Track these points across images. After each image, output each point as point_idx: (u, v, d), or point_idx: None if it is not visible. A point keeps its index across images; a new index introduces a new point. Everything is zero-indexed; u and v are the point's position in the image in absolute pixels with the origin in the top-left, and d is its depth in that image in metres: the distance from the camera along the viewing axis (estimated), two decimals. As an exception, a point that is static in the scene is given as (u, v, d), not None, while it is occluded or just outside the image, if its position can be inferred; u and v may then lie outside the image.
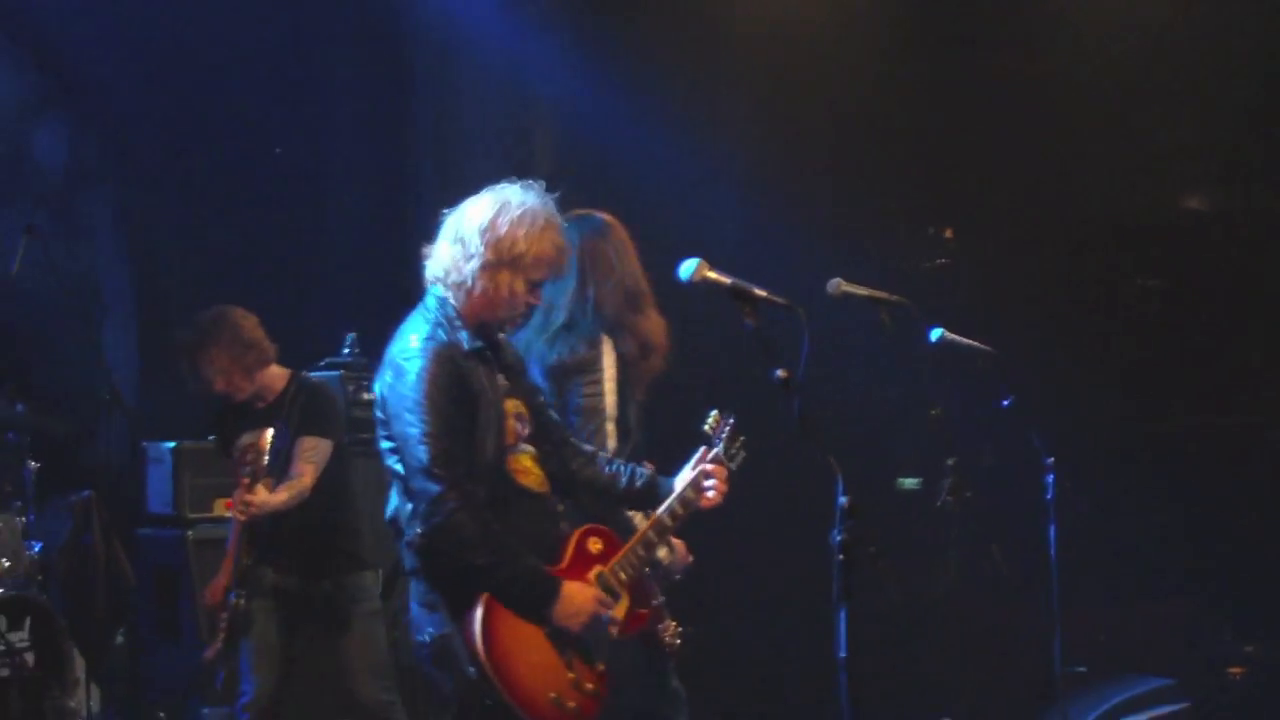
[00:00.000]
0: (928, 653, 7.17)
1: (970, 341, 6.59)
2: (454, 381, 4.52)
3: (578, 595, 4.55)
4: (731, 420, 4.95)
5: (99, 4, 7.62)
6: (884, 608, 6.45)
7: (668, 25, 8.56)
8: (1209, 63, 8.99)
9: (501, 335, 4.78)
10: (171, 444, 7.13)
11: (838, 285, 5.90)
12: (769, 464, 8.21)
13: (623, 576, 4.69)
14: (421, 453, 4.46)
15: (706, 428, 5.02)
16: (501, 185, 4.71)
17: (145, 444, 7.21)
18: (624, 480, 4.93)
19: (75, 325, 6.79)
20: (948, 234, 9.48)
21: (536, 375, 5.20)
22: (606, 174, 8.46)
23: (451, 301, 4.66)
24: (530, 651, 4.49)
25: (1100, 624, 8.49)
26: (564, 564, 4.63)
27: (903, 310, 6.47)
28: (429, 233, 8.56)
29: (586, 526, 4.72)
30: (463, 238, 4.63)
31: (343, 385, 7.30)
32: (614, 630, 4.64)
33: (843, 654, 4.28)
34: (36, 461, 6.89)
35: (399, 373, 4.57)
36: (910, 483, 6.97)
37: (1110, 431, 9.15)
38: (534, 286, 4.66)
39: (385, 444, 4.66)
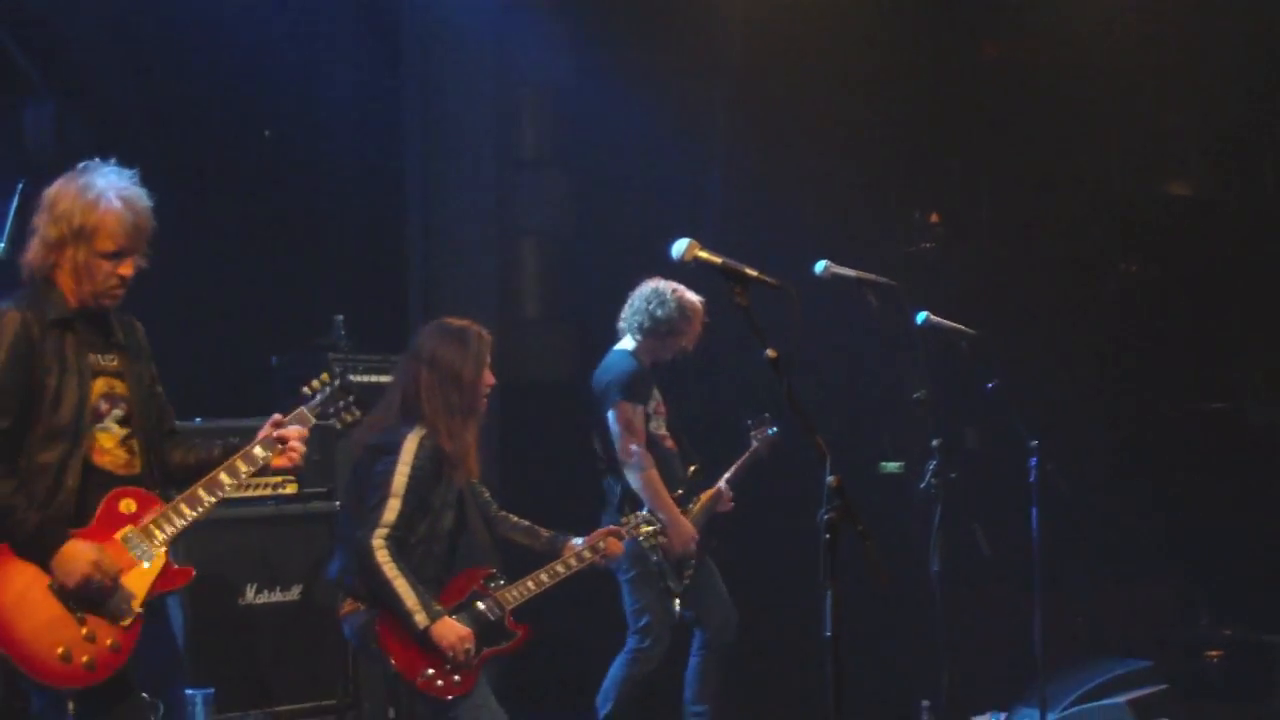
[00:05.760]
0: (909, 634, 7.21)
1: (955, 324, 6.63)
2: (19, 345, 4.60)
3: (73, 554, 4.59)
4: (337, 382, 5.11)
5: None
6: (867, 589, 6.48)
7: (656, 8, 8.56)
8: (1198, 49, 9.02)
9: (129, 317, 4.85)
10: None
11: (827, 267, 5.94)
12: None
13: (157, 534, 4.74)
14: None
15: (306, 389, 5.13)
16: (82, 167, 4.77)
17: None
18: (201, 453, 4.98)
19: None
20: (934, 218, 9.51)
21: None
22: (593, 157, 8.48)
23: (48, 276, 4.73)
24: (36, 607, 4.57)
25: (1080, 606, 8.54)
26: (91, 525, 4.68)
27: (890, 292, 6.51)
28: (418, 217, 8.53)
29: (119, 489, 4.75)
30: (35, 220, 4.74)
31: (331, 368, 7.29)
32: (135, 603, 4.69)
33: (828, 633, 4.29)
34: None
35: None
36: (892, 466, 6.99)
37: (1093, 415, 9.19)
38: (111, 258, 4.69)
39: None
